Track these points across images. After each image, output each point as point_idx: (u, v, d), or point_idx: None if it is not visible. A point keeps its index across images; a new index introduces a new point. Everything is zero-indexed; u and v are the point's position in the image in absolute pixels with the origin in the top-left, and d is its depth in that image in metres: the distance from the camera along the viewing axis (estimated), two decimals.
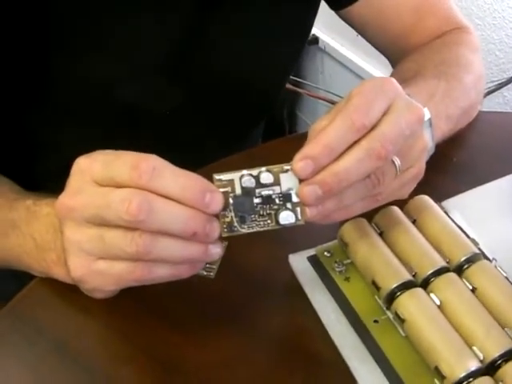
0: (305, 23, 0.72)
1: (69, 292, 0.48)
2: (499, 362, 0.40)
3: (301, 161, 0.41)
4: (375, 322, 0.45)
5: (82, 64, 0.58)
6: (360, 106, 0.42)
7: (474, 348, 0.41)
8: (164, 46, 0.62)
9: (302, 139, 0.43)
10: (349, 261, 0.48)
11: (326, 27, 0.65)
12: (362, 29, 0.75)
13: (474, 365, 0.39)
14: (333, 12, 0.74)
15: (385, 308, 0.45)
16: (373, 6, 0.71)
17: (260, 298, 0.50)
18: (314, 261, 0.50)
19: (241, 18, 0.64)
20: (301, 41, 0.74)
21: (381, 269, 0.45)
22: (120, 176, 0.40)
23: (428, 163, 0.53)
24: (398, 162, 0.44)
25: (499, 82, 1.28)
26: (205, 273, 0.49)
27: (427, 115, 0.51)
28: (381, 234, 0.49)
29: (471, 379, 0.39)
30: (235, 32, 0.64)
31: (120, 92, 0.60)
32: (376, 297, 0.46)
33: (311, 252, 0.50)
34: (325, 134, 0.41)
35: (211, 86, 0.66)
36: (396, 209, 0.50)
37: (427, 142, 0.48)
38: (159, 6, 0.59)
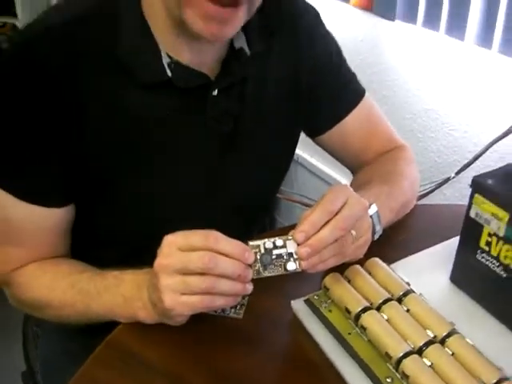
0: (290, 155, 0.98)
1: (145, 329, 0.72)
2: (423, 348, 0.65)
3: (298, 233, 0.67)
4: (349, 334, 0.70)
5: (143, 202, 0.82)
6: (329, 200, 0.69)
7: (408, 341, 0.66)
8: (195, 190, 0.84)
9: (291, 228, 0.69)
10: (330, 300, 0.74)
11: (299, 142, 0.82)
12: (330, 150, 1.00)
13: (408, 349, 0.65)
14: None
15: (354, 325, 0.71)
16: (338, 134, 0.96)
17: (272, 328, 0.75)
18: (308, 302, 0.76)
19: (250, 158, 0.87)
20: (288, 165, 1.00)
21: (350, 301, 0.72)
22: (196, 243, 0.65)
23: (382, 241, 0.79)
24: (353, 233, 0.71)
25: (438, 182, 1.49)
26: (235, 315, 0.75)
27: (375, 209, 0.78)
28: (349, 282, 0.75)
29: (407, 357, 0.64)
30: (246, 168, 0.88)
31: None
32: (349, 320, 0.72)
33: (306, 297, 0.76)
34: (311, 217, 0.68)
35: (229, 203, 0.88)
36: (358, 266, 0.76)
37: (370, 222, 0.75)
38: (192, 165, 0.82)
